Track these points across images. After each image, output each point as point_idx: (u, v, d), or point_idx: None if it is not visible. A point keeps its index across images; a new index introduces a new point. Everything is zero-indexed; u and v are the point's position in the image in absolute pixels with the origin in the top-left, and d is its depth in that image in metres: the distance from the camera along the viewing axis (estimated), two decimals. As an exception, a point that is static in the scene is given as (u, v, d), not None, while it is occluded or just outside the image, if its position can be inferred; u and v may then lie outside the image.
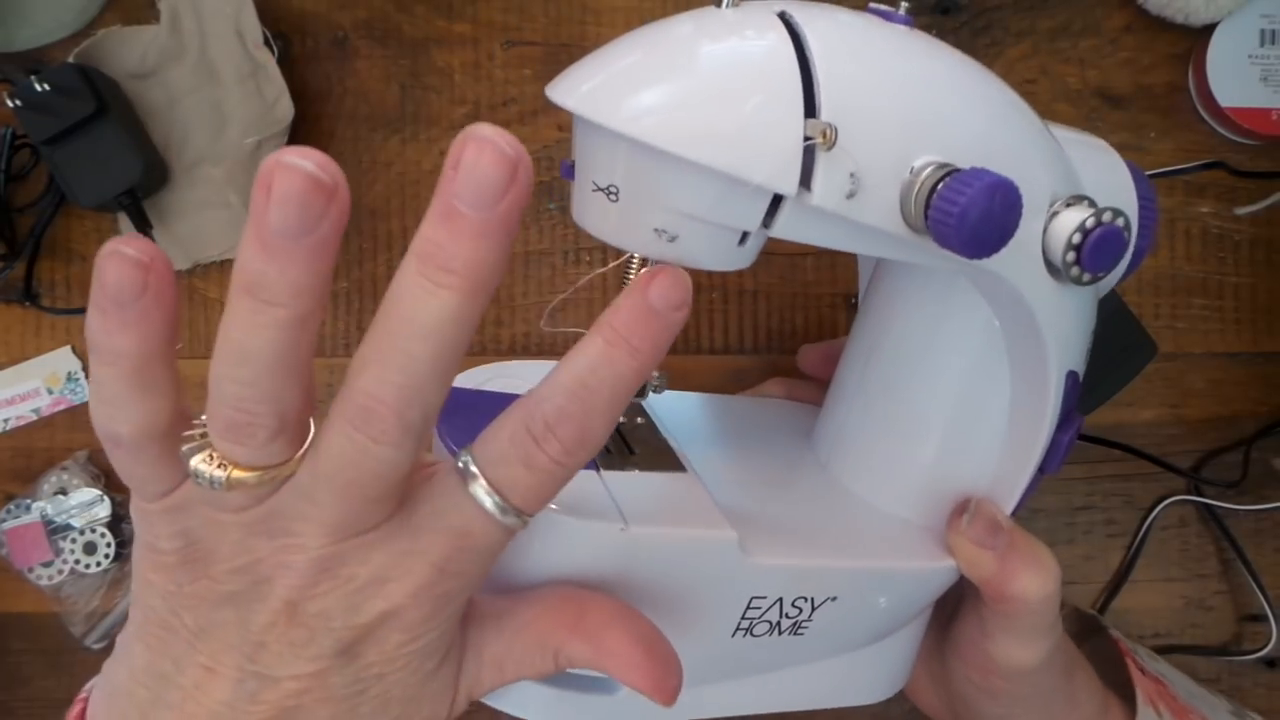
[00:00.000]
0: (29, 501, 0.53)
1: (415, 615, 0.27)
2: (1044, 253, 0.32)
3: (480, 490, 0.27)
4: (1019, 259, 0.32)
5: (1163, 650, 0.56)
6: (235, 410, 0.24)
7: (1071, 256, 0.32)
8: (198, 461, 0.25)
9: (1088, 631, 0.48)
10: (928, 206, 0.28)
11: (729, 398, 0.47)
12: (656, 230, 0.30)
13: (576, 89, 0.29)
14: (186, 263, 0.53)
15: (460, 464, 0.27)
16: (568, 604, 0.30)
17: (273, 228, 0.23)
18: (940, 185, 0.28)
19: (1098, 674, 0.43)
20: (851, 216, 0.29)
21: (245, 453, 0.25)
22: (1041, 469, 0.37)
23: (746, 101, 0.28)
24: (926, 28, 0.55)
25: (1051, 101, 0.56)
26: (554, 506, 0.31)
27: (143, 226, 0.51)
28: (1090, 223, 0.31)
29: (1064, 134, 0.36)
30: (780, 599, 0.35)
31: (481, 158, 0.23)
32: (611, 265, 0.35)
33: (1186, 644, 0.56)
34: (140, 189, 0.50)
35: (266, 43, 0.51)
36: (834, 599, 0.36)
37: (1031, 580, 0.36)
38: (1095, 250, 0.31)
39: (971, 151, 0.30)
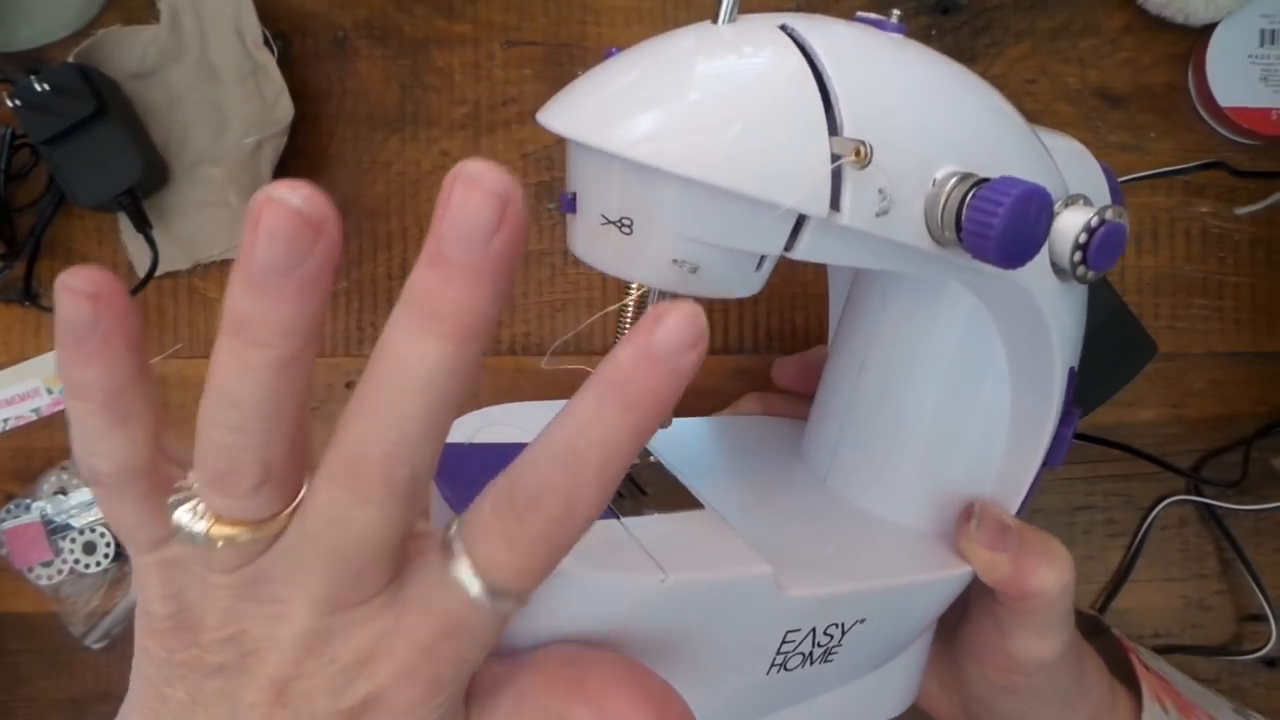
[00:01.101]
0: (29, 501, 0.53)
1: (403, 699, 0.25)
2: (1049, 253, 0.32)
3: (464, 572, 0.24)
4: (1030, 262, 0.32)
5: (1163, 650, 0.56)
6: (220, 458, 0.23)
7: (1078, 256, 0.32)
8: (182, 513, 0.24)
9: (1090, 632, 0.48)
10: (958, 219, 0.28)
11: (711, 420, 0.46)
12: (676, 261, 0.29)
13: (578, 114, 0.28)
14: (186, 262, 0.53)
15: (446, 539, 0.25)
16: (568, 667, 0.28)
17: (259, 264, 0.22)
18: (970, 197, 0.28)
19: None
20: (881, 234, 0.28)
21: (230, 504, 0.23)
22: (1045, 463, 0.37)
23: (769, 121, 0.27)
24: (927, 28, 0.55)
25: (1051, 101, 0.56)
26: (590, 563, 0.29)
27: (142, 226, 0.51)
28: (1095, 221, 0.31)
29: (1044, 136, 0.36)
30: (814, 629, 0.34)
31: (470, 197, 0.21)
32: (613, 307, 0.34)
33: (1186, 644, 0.56)
34: (140, 189, 0.50)
35: (266, 42, 0.51)
36: (863, 621, 0.35)
37: (1049, 574, 0.36)
38: (1101, 248, 0.31)
39: (986, 158, 0.29)
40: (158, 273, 0.51)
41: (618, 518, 0.33)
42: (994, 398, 0.37)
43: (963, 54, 0.55)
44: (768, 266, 0.31)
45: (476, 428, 0.38)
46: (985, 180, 0.28)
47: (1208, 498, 0.55)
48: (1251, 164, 0.55)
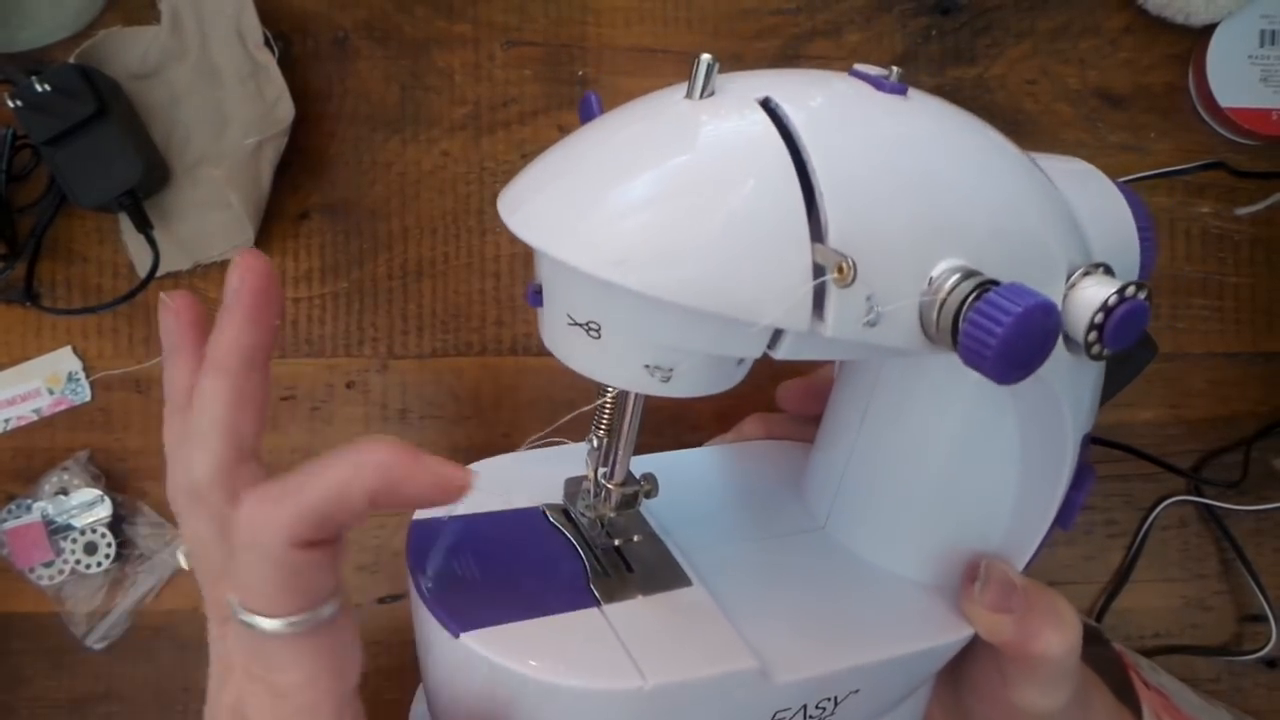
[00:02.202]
0: (30, 501, 0.53)
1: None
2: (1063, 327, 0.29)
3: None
4: None
5: (1163, 650, 0.56)
6: None
7: (1093, 336, 0.29)
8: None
9: (1087, 639, 0.48)
10: (955, 328, 0.25)
11: (710, 450, 0.45)
12: (648, 367, 0.27)
13: (540, 217, 0.26)
14: (187, 263, 0.53)
15: None
16: None
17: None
18: (969, 307, 0.25)
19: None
20: (869, 342, 0.26)
21: None
22: (1055, 524, 0.36)
23: (744, 231, 0.24)
24: (927, 28, 0.55)
25: (1051, 102, 0.56)
26: (566, 669, 0.29)
27: (143, 227, 0.51)
28: (1113, 300, 0.28)
29: (1052, 164, 0.34)
30: (804, 705, 0.33)
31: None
32: (588, 407, 0.33)
33: (1186, 644, 0.56)
34: (141, 189, 0.50)
35: (267, 43, 0.51)
36: (857, 691, 0.34)
37: (1053, 638, 0.35)
38: (1119, 328, 0.28)
39: (989, 242, 0.27)
40: (159, 273, 0.51)
41: (599, 605, 0.32)
42: (1002, 456, 0.35)
43: (962, 54, 0.56)
44: (749, 363, 0.29)
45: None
46: (987, 285, 0.25)
47: (1208, 498, 0.55)
48: (1251, 164, 0.55)
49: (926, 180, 0.27)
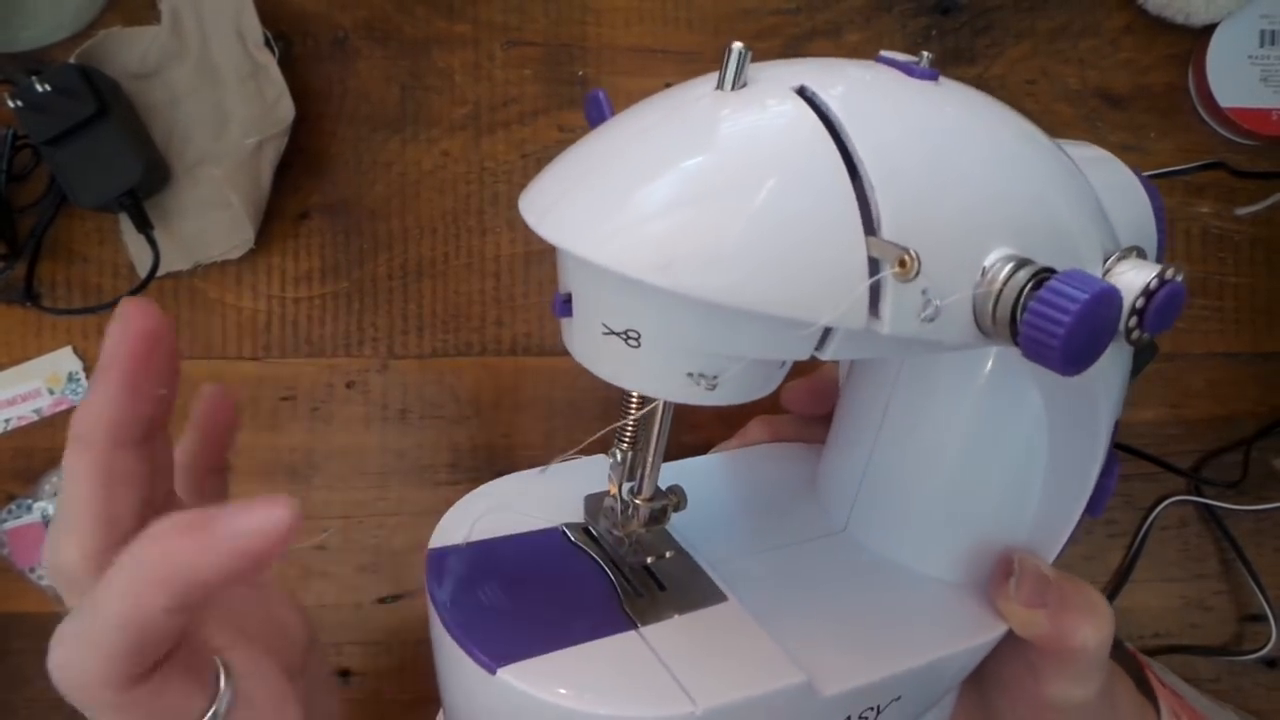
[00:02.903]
0: (30, 501, 0.53)
1: None
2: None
3: None
4: None
5: (1163, 650, 0.56)
6: None
7: (1134, 321, 0.28)
8: None
9: None
10: (1013, 317, 0.24)
11: (718, 457, 0.44)
12: (691, 375, 0.26)
13: (570, 217, 0.24)
14: (187, 263, 0.53)
15: None
16: None
17: None
18: (1029, 296, 0.24)
19: None
20: (925, 338, 0.25)
21: None
22: (1086, 512, 0.36)
23: (795, 225, 0.23)
24: (927, 28, 0.55)
25: (1051, 102, 0.56)
26: (616, 702, 0.28)
27: (144, 227, 0.51)
28: (1154, 284, 0.27)
29: (1071, 150, 0.33)
30: (848, 716, 0.33)
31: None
32: (616, 425, 0.32)
33: (1186, 644, 0.56)
34: (141, 189, 0.51)
35: (267, 43, 0.51)
36: (899, 698, 0.34)
37: (1088, 630, 0.35)
38: (1160, 312, 0.27)
39: (1036, 230, 0.26)
40: (159, 273, 0.51)
41: (637, 628, 0.31)
42: (1029, 447, 0.35)
43: (962, 54, 0.56)
44: (790, 365, 0.28)
45: (477, 513, 0.36)
46: (1044, 273, 0.24)
47: (1208, 498, 0.55)
48: (1251, 164, 0.55)
49: (971, 168, 0.25)
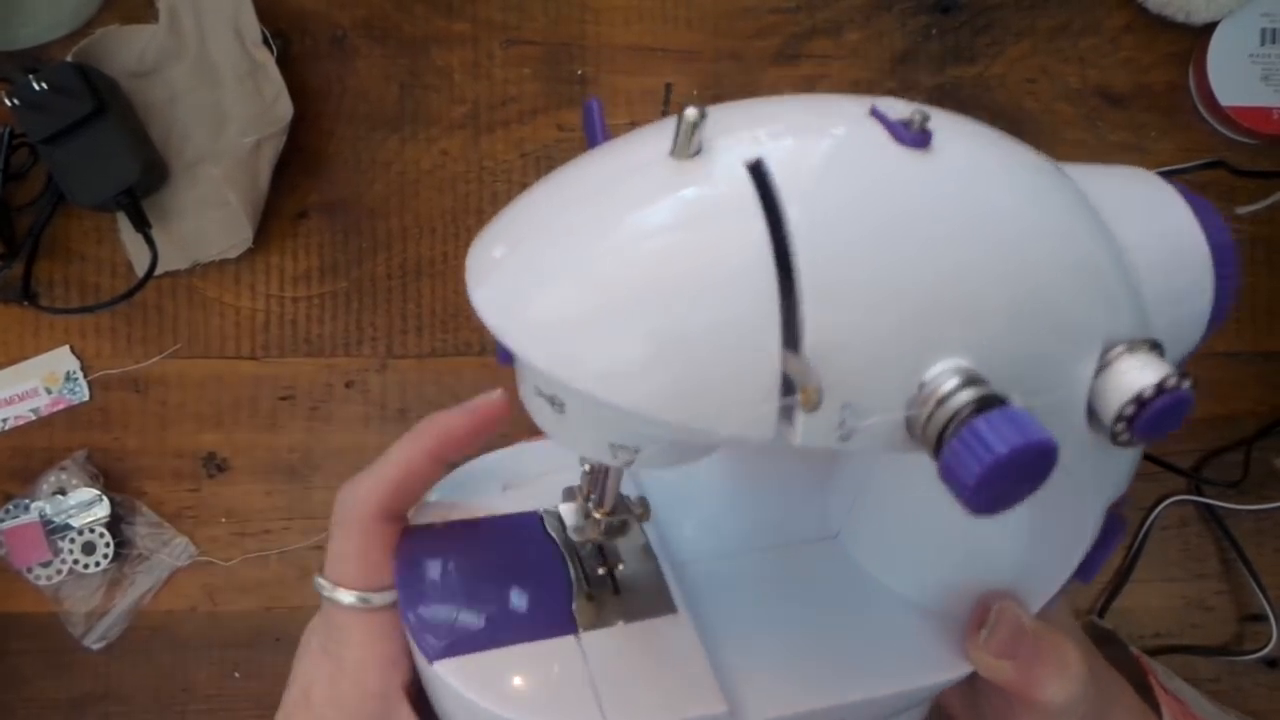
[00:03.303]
0: (28, 501, 0.53)
1: None
2: (1089, 403, 0.25)
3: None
4: (1055, 409, 0.25)
5: (1163, 650, 0.56)
6: None
7: (1121, 426, 0.25)
8: None
9: (1102, 641, 0.47)
10: (940, 443, 0.22)
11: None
12: (612, 445, 0.26)
13: (498, 299, 0.24)
14: (185, 262, 0.53)
15: None
16: None
17: None
18: (959, 423, 0.22)
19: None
20: (842, 450, 0.23)
21: None
22: (1076, 577, 0.34)
23: (709, 338, 0.22)
24: (926, 27, 0.55)
25: (1051, 101, 0.56)
26: (532, 712, 0.29)
27: (141, 226, 0.51)
28: (1149, 392, 0.24)
29: (1110, 178, 0.29)
30: None
31: None
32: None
33: (1186, 644, 0.56)
34: (139, 188, 0.50)
35: (265, 42, 0.51)
36: None
37: (1057, 689, 0.34)
38: (1154, 421, 0.25)
39: (1007, 329, 0.23)
40: (157, 272, 0.51)
41: (577, 633, 0.32)
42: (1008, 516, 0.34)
43: (963, 53, 0.55)
44: None
45: (469, 486, 0.36)
46: (986, 401, 0.22)
47: (1208, 498, 0.55)
48: (1252, 163, 0.55)
49: (937, 264, 0.23)
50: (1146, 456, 0.54)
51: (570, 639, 0.31)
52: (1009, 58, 0.56)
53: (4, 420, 0.53)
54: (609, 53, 0.55)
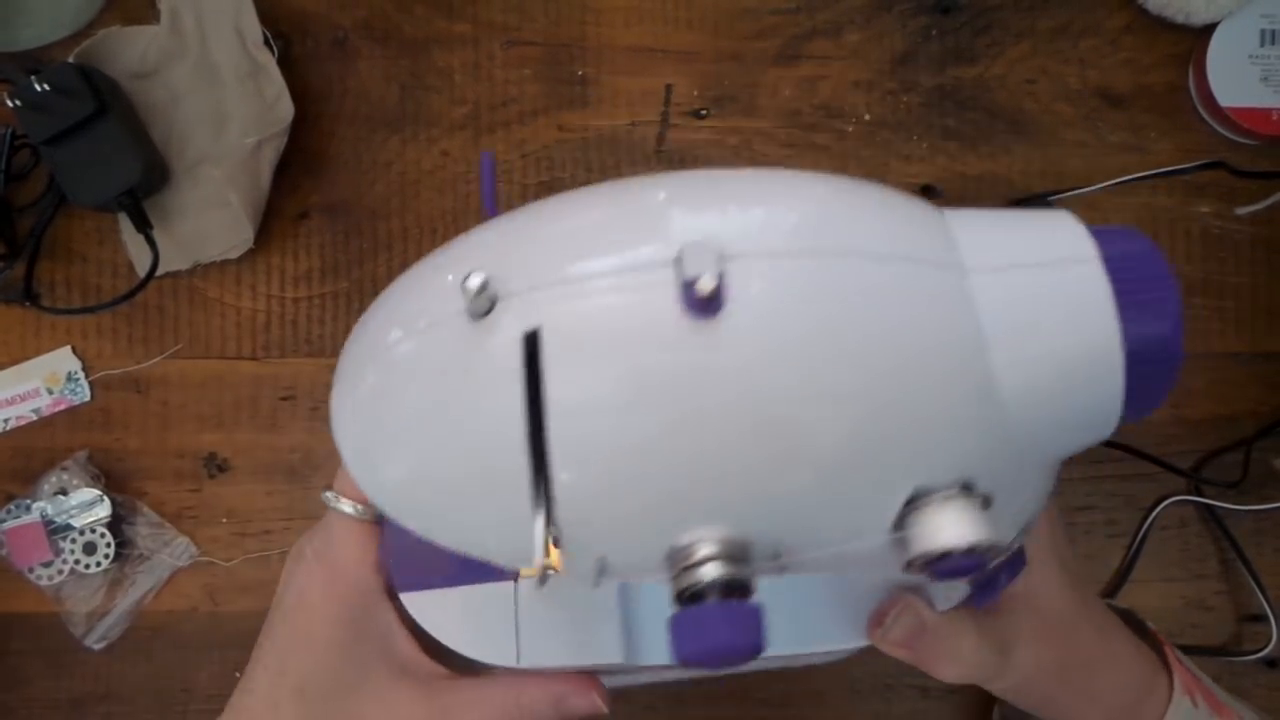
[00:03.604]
0: (29, 501, 0.53)
1: None
2: (889, 530, 0.24)
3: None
4: (850, 557, 0.25)
5: (1163, 650, 0.56)
6: None
7: (919, 566, 0.24)
8: None
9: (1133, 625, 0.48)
10: (680, 598, 0.23)
11: None
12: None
13: (334, 412, 0.28)
14: (186, 262, 0.53)
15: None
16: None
17: None
18: (690, 596, 0.22)
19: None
20: (599, 589, 0.26)
21: None
22: (970, 600, 0.36)
23: (477, 492, 0.24)
24: (926, 27, 0.55)
25: (1051, 101, 0.56)
26: (462, 643, 0.34)
27: (143, 226, 0.51)
28: (957, 554, 0.23)
29: (1023, 231, 0.25)
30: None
31: None
32: None
33: (1186, 644, 0.56)
34: (140, 189, 0.50)
35: (266, 42, 0.51)
36: None
37: (946, 670, 0.36)
38: (958, 573, 0.23)
39: (765, 503, 0.23)
40: (158, 273, 0.51)
41: (516, 579, 0.35)
42: None
43: (962, 53, 0.56)
44: None
45: None
46: (731, 586, 0.22)
47: (1208, 498, 0.55)
48: (1251, 164, 0.55)
49: (697, 441, 0.22)
50: (1146, 457, 0.54)
51: (509, 584, 0.35)
52: (1009, 58, 0.56)
53: (5, 420, 0.54)
54: (609, 53, 0.55)
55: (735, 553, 0.23)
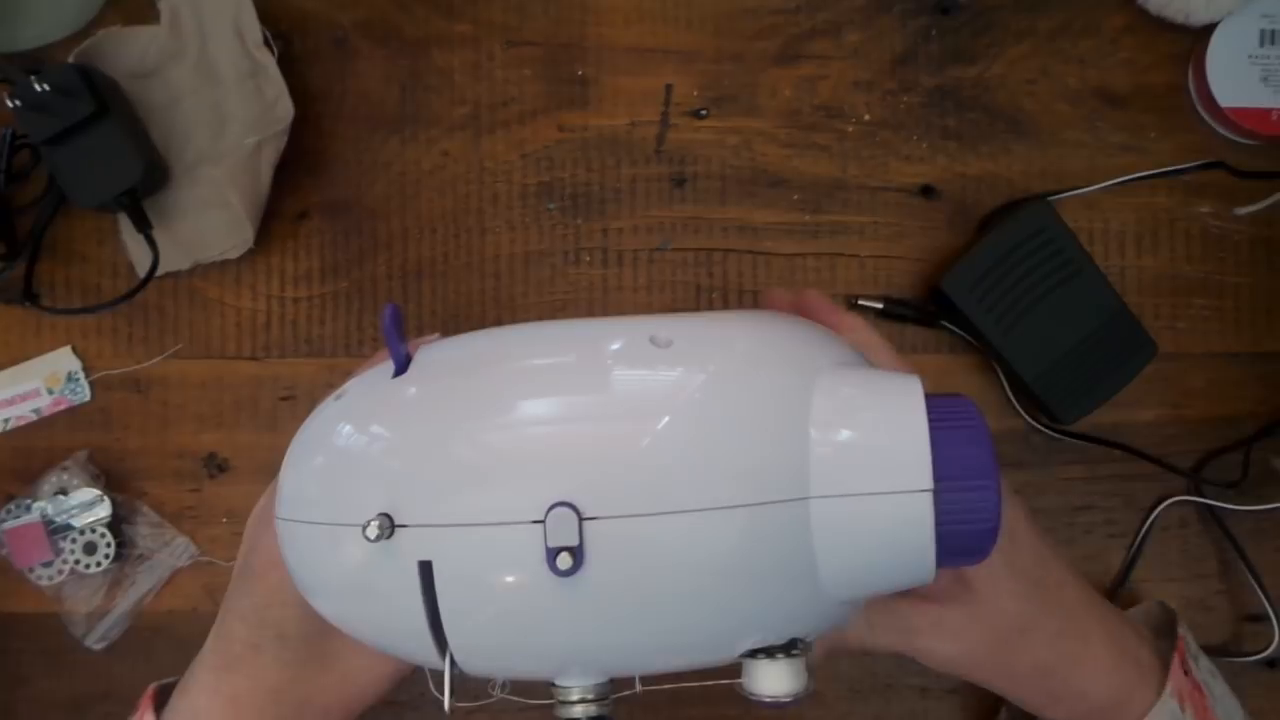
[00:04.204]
0: (29, 501, 0.53)
1: None
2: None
3: None
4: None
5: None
6: None
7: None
8: None
9: (1162, 630, 0.48)
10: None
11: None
12: None
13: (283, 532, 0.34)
14: (187, 263, 0.53)
15: None
16: None
17: None
18: None
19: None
20: None
21: None
22: None
23: (381, 641, 0.33)
24: (926, 28, 0.55)
25: (1051, 101, 0.56)
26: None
27: (143, 226, 0.51)
28: (765, 700, 0.30)
29: (863, 402, 0.29)
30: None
31: None
32: None
33: (1187, 644, 0.56)
34: (140, 189, 0.50)
35: (266, 43, 0.51)
36: None
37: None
38: (768, 707, 0.31)
39: (625, 664, 0.32)
40: (158, 273, 0.51)
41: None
42: None
43: (962, 54, 0.55)
44: None
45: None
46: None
47: (1208, 498, 0.55)
48: (1251, 164, 0.55)
49: (577, 639, 0.30)
50: (1146, 457, 0.54)
51: None
52: (1009, 58, 0.56)
53: (5, 420, 0.54)
54: (609, 53, 0.55)
55: (603, 693, 0.31)
